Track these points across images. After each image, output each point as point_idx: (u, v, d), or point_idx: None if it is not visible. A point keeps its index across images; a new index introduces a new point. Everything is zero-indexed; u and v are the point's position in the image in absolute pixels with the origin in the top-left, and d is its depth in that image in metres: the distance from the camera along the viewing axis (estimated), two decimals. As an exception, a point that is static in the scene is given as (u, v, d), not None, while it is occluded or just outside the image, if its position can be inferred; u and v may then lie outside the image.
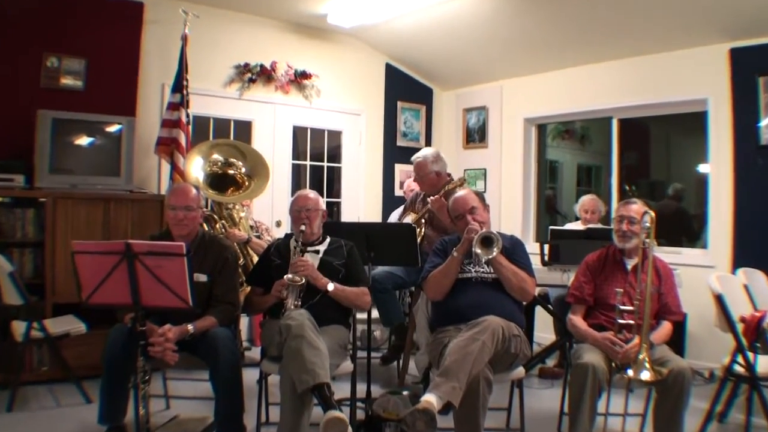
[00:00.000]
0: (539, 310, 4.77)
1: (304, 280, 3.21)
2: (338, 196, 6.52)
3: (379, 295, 4.15)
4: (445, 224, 4.12)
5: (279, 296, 3.23)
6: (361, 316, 3.94)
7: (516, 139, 6.30)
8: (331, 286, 3.28)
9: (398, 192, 6.58)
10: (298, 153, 6.31)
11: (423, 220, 4.34)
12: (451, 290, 3.26)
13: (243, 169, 4.42)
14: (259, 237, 4.64)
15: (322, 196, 3.64)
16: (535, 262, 3.86)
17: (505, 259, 3.24)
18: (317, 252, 3.44)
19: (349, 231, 3.82)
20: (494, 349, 2.86)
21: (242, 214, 4.56)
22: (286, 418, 2.81)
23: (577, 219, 5.38)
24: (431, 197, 4.17)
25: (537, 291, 4.58)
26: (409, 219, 4.46)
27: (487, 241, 3.17)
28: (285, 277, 3.20)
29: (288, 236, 3.60)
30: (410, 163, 4.45)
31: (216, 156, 4.39)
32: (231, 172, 4.41)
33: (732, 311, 3.19)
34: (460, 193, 3.48)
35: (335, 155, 6.50)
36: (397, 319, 4.35)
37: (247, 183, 4.40)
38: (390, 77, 6.63)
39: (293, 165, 6.13)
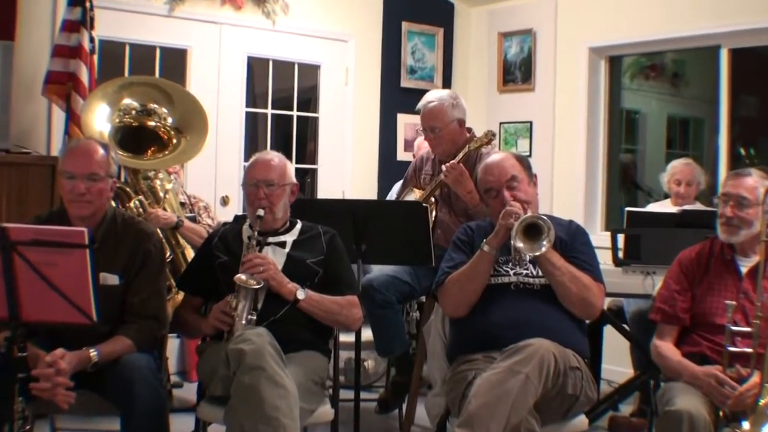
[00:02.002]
0: (610, 332, 4.77)
1: (262, 284, 3.20)
2: (313, 160, 6.51)
3: (376, 310, 4.16)
4: (467, 203, 4.12)
5: (220, 325, 3.23)
6: (346, 338, 3.94)
7: (577, 78, 6.26)
8: (302, 294, 3.27)
9: (402, 155, 6.58)
10: (254, 97, 6.27)
11: (434, 198, 4.34)
12: (480, 302, 3.25)
13: (169, 120, 4.40)
14: (194, 220, 4.63)
15: (291, 161, 3.62)
16: (605, 260, 3.83)
17: (560, 256, 3.23)
18: (282, 245, 3.43)
19: (329, 213, 3.81)
20: (543, 387, 2.85)
21: (169, 186, 4.53)
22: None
23: (666, 197, 5.36)
24: (446, 164, 4.15)
25: (607, 303, 4.58)
26: (413, 197, 4.46)
27: (532, 230, 3.15)
28: (235, 278, 3.19)
29: (238, 219, 3.57)
30: (418, 112, 4.42)
31: (129, 101, 4.36)
32: (151, 124, 4.38)
33: None
34: (494, 157, 3.46)
35: (310, 101, 6.47)
36: (399, 346, 4.36)
37: (175, 140, 4.38)
38: (391, -15, 6.61)
39: (247, 114, 6.10)
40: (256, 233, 3.35)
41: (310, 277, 3.38)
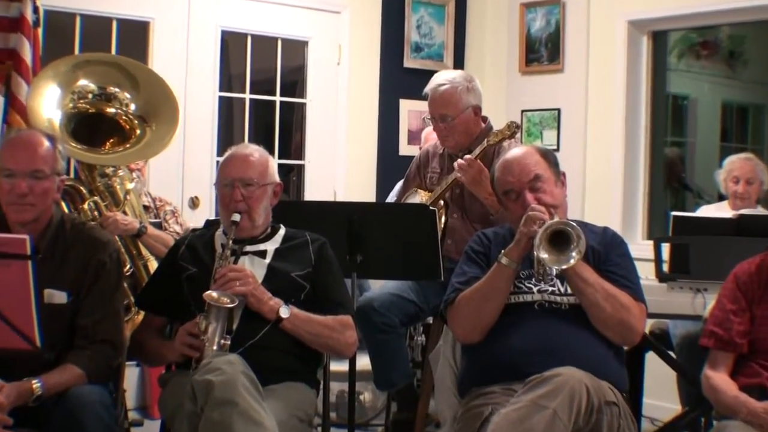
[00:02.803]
0: (652, 361, 4.77)
1: (237, 303, 3.20)
2: (300, 155, 6.52)
3: (376, 335, 4.17)
4: (488, 208, 4.12)
5: (187, 351, 3.22)
6: (338, 367, 3.93)
7: (614, 57, 6.27)
8: (285, 312, 3.27)
9: (406, 149, 6.60)
10: (230, 79, 6.28)
11: (443, 201, 4.34)
12: (497, 324, 3.25)
13: (132, 107, 4.41)
14: (159, 226, 4.64)
15: (273, 156, 3.63)
16: (647, 274, 3.82)
17: (593, 270, 3.23)
18: (262, 254, 3.44)
19: (319, 217, 3.81)
20: (573, 425, 2.84)
21: (130, 186, 4.53)
22: None
23: (721, 198, 5.36)
24: (459, 160, 4.15)
25: (649, 326, 4.57)
26: (417, 200, 4.46)
27: (559, 239, 3.15)
28: (205, 295, 3.19)
29: (210, 225, 3.56)
30: (425, 98, 4.43)
31: (85, 82, 4.37)
32: (111, 111, 4.40)
33: None
34: (514, 151, 3.46)
35: (296, 83, 6.48)
36: (401, 377, 4.36)
37: (138, 131, 4.39)
38: (393, -53, 6.63)
39: (221, 99, 6.12)
40: (231, 241, 3.34)
41: (294, 292, 3.38)
